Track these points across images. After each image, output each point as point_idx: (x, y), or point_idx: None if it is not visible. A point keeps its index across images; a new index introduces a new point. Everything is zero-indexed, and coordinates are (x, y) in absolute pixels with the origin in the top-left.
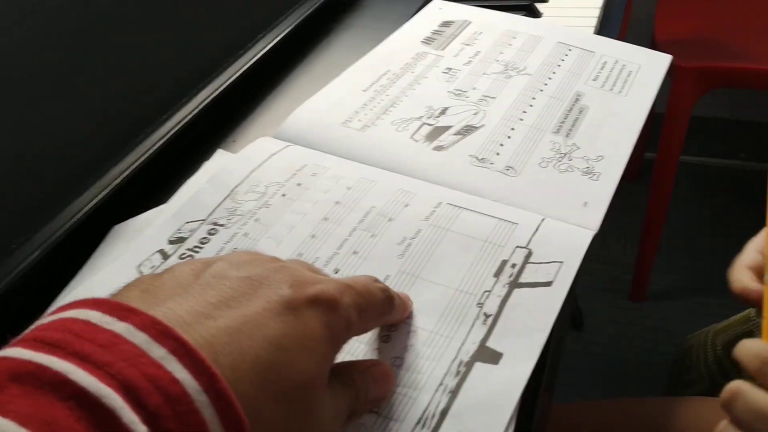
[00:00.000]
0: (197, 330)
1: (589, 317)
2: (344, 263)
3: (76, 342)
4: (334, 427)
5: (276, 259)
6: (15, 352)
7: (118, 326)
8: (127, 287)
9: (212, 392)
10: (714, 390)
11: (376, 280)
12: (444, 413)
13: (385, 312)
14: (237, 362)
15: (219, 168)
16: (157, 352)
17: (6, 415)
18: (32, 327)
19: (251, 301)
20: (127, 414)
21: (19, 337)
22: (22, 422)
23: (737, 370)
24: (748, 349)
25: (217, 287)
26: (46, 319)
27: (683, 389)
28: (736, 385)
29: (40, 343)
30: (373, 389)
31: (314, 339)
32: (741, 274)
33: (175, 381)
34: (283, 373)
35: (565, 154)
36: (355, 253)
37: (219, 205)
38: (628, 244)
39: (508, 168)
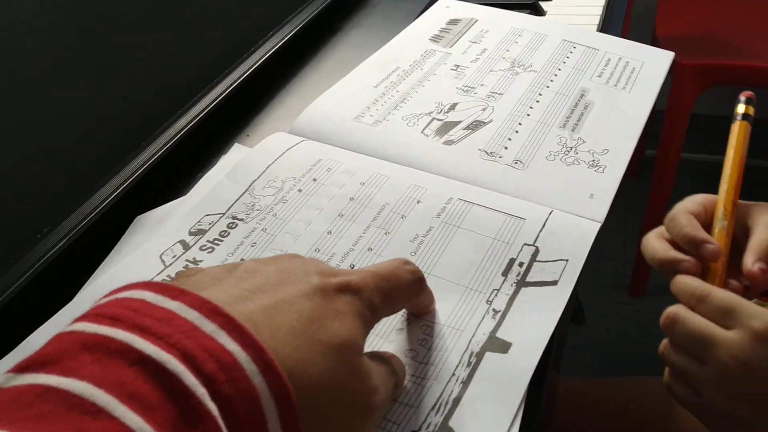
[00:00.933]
0: (237, 309)
1: (590, 312)
2: (359, 259)
3: (135, 316)
4: (383, 396)
5: (299, 256)
6: (81, 326)
7: (171, 304)
8: (166, 282)
9: (260, 362)
10: None
11: (407, 263)
12: (457, 401)
13: (413, 293)
14: (275, 332)
15: (236, 162)
16: (209, 326)
17: (82, 378)
18: (91, 307)
19: (284, 287)
20: (189, 377)
21: (81, 315)
22: (96, 383)
23: None
24: (684, 285)
25: (250, 279)
26: (102, 300)
27: None
28: (675, 310)
29: (103, 317)
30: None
31: (343, 314)
32: (654, 243)
33: (228, 352)
34: (317, 337)
35: (572, 147)
36: (369, 249)
37: (238, 199)
38: (628, 240)
39: (516, 161)
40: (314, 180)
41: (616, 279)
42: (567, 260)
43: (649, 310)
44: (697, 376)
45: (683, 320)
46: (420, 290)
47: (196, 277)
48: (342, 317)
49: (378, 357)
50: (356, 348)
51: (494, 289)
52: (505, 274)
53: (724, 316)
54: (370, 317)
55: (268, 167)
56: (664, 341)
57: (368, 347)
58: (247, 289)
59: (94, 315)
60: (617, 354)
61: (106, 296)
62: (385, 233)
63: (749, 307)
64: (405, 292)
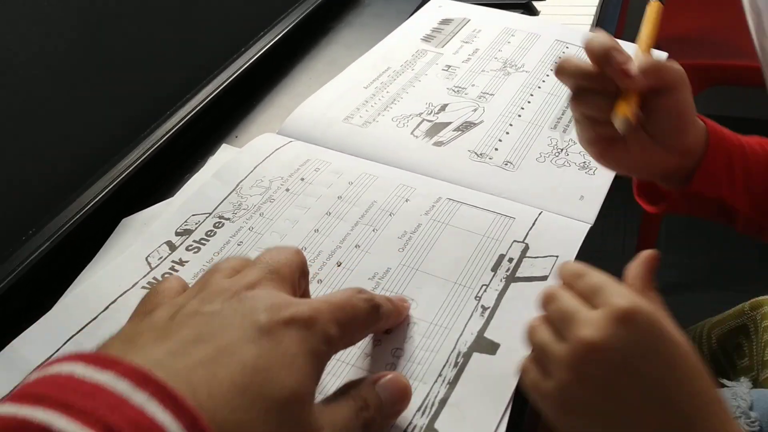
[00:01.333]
0: (174, 368)
1: None
2: (347, 256)
3: (60, 393)
4: None
5: (254, 284)
6: (3, 409)
7: (101, 377)
8: (111, 338)
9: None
10: None
11: (361, 291)
12: (443, 402)
13: (370, 323)
14: (214, 391)
15: (224, 162)
16: (139, 397)
17: None
18: (20, 383)
19: (226, 332)
20: None
21: (9, 393)
22: None
23: (731, 364)
24: (567, 266)
25: (191, 325)
26: (32, 375)
27: None
28: (554, 289)
29: (27, 396)
30: (389, 398)
31: (292, 356)
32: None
33: (157, 424)
34: (263, 392)
35: (562, 149)
36: (357, 246)
37: (225, 199)
38: (626, 241)
39: (507, 163)
40: (302, 179)
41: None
42: (557, 256)
43: None
44: (555, 353)
45: (557, 298)
46: (376, 318)
47: (141, 327)
48: (291, 361)
49: (339, 396)
50: (304, 399)
51: (483, 285)
52: (494, 269)
53: (594, 295)
54: (324, 352)
55: (255, 167)
56: (532, 320)
57: (358, 343)
58: (187, 341)
59: (19, 395)
60: None
61: (35, 370)
62: (373, 230)
63: (617, 287)
64: (362, 322)
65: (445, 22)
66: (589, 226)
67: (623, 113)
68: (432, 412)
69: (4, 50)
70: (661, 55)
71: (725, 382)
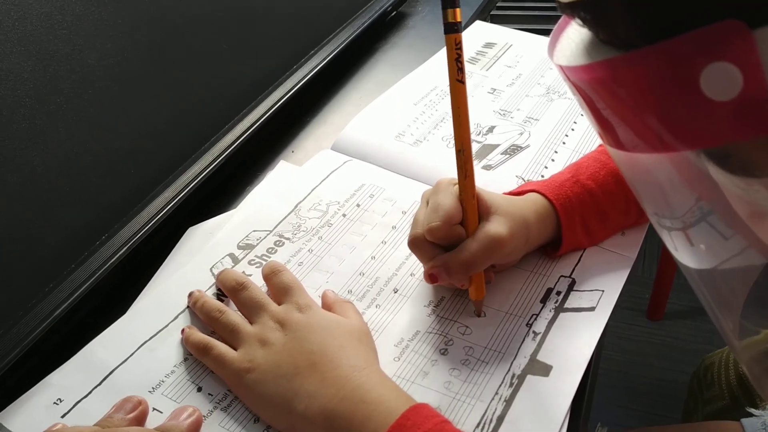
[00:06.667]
0: None
1: (607, 334)
2: (403, 284)
3: None
4: None
5: None
6: None
7: None
8: None
9: None
10: (734, 408)
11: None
12: (501, 419)
13: None
14: None
15: (282, 182)
16: None
17: None
18: None
19: None
20: None
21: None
22: None
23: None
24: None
25: None
26: None
27: (703, 405)
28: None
29: None
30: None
31: None
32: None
33: None
34: None
35: None
36: (412, 275)
37: (284, 219)
38: (647, 264)
39: None
40: (358, 206)
41: (634, 301)
42: (603, 291)
43: (667, 333)
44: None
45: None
46: None
47: None
48: None
49: None
50: None
51: (533, 314)
52: (543, 301)
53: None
54: None
55: (313, 190)
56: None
57: (415, 363)
58: None
59: None
60: (635, 375)
61: None
62: None
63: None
64: None
65: (489, 45)
66: (633, 260)
67: (473, 298)
68: (491, 429)
69: (82, 64)
70: None
71: (753, 411)
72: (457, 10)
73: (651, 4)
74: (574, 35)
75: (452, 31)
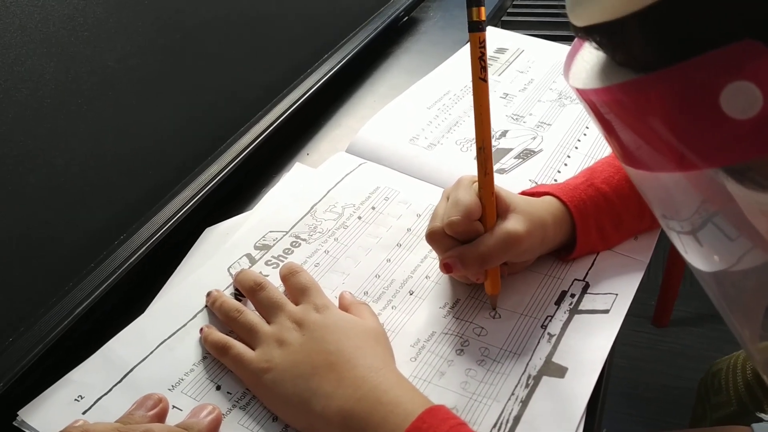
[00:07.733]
0: None
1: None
2: (418, 286)
3: None
4: None
5: None
6: None
7: None
8: None
9: None
10: (742, 414)
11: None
12: (517, 420)
13: None
14: None
15: (298, 183)
16: None
17: None
18: None
19: None
20: None
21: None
22: None
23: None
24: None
25: None
26: None
27: (711, 412)
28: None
29: None
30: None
31: None
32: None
33: None
34: None
35: None
36: (427, 277)
37: (300, 220)
38: (653, 270)
39: None
40: (373, 208)
41: (640, 308)
42: (617, 294)
43: (672, 340)
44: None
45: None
46: None
47: None
48: None
49: None
50: None
51: (548, 316)
52: (558, 303)
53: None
54: None
55: (328, 191)
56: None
57: (432, 363)
58: None
59: None
60: (640, 381)
61: None
62: None
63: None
64: None
65: (500, 51)
66: (646, 264)
67: (489, 292)
68: (507, 429)
69: (103, 66)
70: None
71: (762, 416)
72: (482, 8)
73: (667, 26)
74: (589, 57)
75: (476, 29)
